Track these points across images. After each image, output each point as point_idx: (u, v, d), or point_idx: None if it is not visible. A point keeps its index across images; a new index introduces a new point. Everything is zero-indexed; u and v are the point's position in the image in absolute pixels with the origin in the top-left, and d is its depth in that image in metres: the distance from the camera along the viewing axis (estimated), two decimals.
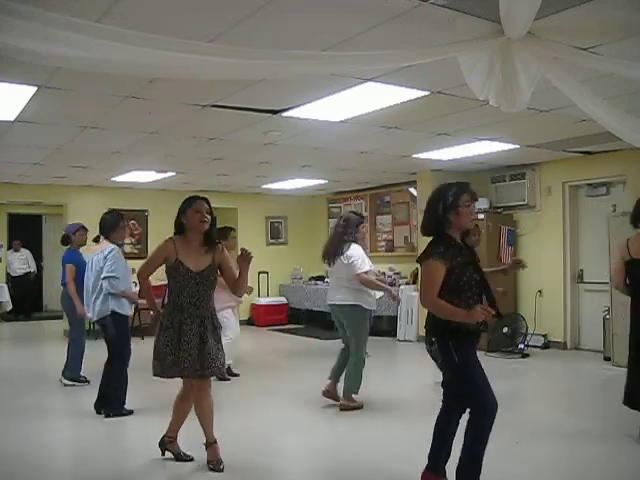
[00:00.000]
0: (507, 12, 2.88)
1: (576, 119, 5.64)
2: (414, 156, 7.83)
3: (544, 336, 8.44)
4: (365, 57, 3.46)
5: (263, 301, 11.62)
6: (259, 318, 11.59)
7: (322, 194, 12.07)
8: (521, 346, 8.02)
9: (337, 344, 5.94)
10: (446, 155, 7.76)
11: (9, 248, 12.88)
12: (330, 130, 6.15)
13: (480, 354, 8.52)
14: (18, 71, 4.10)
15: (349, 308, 5.28)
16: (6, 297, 10.58)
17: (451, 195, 3.28)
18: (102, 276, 4.98)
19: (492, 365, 7.52)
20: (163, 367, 3.76)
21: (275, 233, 12.33)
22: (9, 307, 10.87)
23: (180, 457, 4.03)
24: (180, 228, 3.86)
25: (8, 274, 12.66)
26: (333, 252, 5.36)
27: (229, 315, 6.35)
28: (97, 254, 5.12)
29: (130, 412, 5.10)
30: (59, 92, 4.66)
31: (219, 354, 3.82)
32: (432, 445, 3.42)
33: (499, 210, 8.90)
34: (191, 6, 3.16)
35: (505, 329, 8.19)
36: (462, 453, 3.21)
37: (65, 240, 6.41)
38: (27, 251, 13.04)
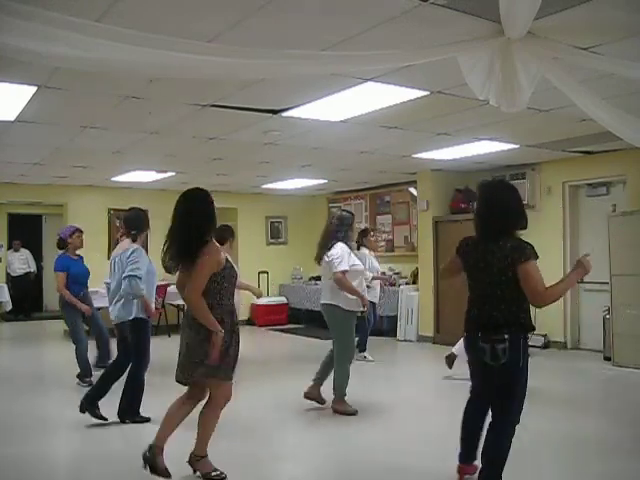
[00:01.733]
0: (507, 12, 2.89)
1: (576, 119, 5.64)
2: (414, 156, 7.83)
3: (544, 336, 8.43)
4: (365, 57, 3.46)
5: (263, 301, 11.60)
6: (259, 318, 11.59)
7: (322, 194, 12.07)
8: None
9: None
10: (446, 155, 7.76)
11: (9, 248, 12.89)
12: (330, 130, 6.15)
13: None
14: (18, 71, 4.10)
15: (328, 307, 5.23)
16: (6, 297, 10.57)
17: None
18: (123, 275, 4.69)
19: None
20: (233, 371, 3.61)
21: (275, 233, 12.33)
22: (9, 307, 10.86)
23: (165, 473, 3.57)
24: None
25: (8, 274, 12.66)
26: (320, 250, 5.29)
27: None
28: (120, 254, 4.87)
29: (147, 419, 4.79)
30: (59, 92, 4.66)
31: None
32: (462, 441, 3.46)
33: None
34: (191, 6, 3.16)
35: None
36: (486, 464, 3.22)
37: (61, 244, 6.33)
38: (27, 251, 13.04)
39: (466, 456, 3.46)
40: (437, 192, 9.28)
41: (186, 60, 2.91)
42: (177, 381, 3.60)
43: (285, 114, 5.46)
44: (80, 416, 4.80)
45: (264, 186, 10.81)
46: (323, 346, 6.38)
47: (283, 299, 11.90)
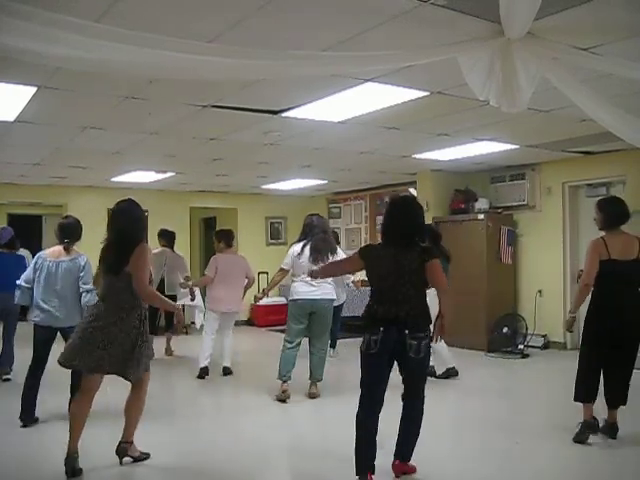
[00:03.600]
0: (507, 12, 2.88)
1: (576, 119, 5.64)
2: (414, 156, 7.83)
3: (544, 336, 8.43)
4: (365, 57, 3.46)
5: (263, 301, 11.56)
6: (259, 318, 11.58)
7: (322, 194, 12.07)
8: (521, 346, 8.02)
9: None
10: (446, 155, 7.76)
11: None
12: (330, 130, 6.14)
13: (480, 354, 8.55)
14: (18, 71, 4.10)
15: (329, 302, 5.76)
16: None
17: None
18: (87, 288, 4.72)
19: (492, 365, 7.55)
20: None
21: (275, 233, 12.32)
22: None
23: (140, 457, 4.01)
24: None
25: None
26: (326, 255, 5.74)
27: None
28: (67, 261, 4.82)
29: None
30: (59, 92, 4.66)
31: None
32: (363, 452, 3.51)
33: (499, 210, 8.89)
34: (191, 6, 3.16)
35: (505, 329, 8.19)
36: (414, 437, 3.65)
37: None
38: (27, 251, 13.01)
39: (373, 457, 3.53)
40: (437, 192, 9.28)
41: (186, 60, 2.91)
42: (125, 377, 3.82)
43: (285, 114, 5.46)
44: None
45: (264, 186, 10.81)
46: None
47: (283, 300, 11.87)
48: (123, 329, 3.71)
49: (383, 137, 6.54)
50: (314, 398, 5.65)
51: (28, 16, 2.44)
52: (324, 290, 5.60)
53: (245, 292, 7.02)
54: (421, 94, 4.86)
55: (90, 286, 4.68)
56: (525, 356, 7.87)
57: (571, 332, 5.10)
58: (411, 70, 4.07)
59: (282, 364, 5.62)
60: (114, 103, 5.01)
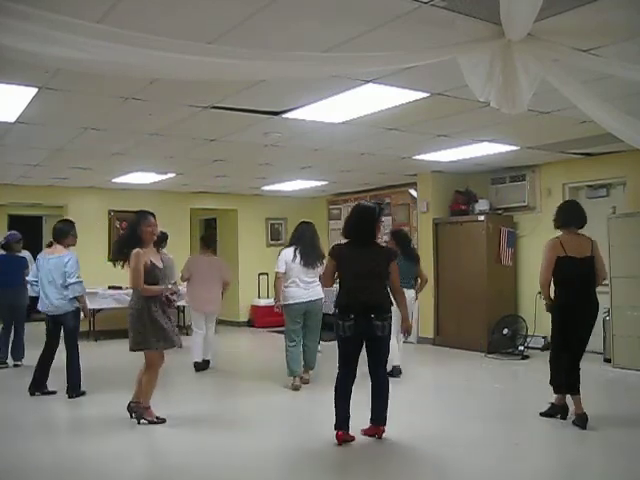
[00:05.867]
0: (508, 14, 2.89)
1: (576, 121, 5.65)
2: (414, 157, 7.83)
3: (544, 338, 8.40)
4: (366, 58, 3.46)
5: (263, 302, 11.60)
6: (258, 319, 11.58)
7: (322, 195, 12.07)
8: (521, 348, 8.01)
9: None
10: (446, 156, 7.76)
11: None
12: (330, 131, 6.15)
13: (480, 356, 8.57)
14: (19, 72, 4.11)
15: (321, 301, 6.31)
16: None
17: None
18: (73, 281, 5.60)
19: (492, 367, 7.55)
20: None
21: (275, 234, 12.32)
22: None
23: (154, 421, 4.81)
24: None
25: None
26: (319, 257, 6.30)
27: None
28: (54, 257, 5.70)
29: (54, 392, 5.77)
30: (60, 93, 4.66)
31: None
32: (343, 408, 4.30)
33: (499, 212, 8.90)
34: (192, 8, 3.17)
35: (505, 330, 8.19)
36: (383, 402, 4.37)
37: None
38: (27, 252, 13.01)
39: (347, 417, 4.33)
40: (437, 194, 9.29)
41: (187, 61, 2.91)
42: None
43: (286, 115, 5.47)
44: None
45: (264, 188, 10.82)
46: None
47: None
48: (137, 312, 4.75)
49: (383, 138, 6.55)
50: (306, 383, 6.20)
51: (29, 17, 2.44)
52: (315, 291, 6.18)
53: (222, 294, 7.44)
54: (422, 95, 4.87)
55: (73, 279, 5.59)
56: (525, 357, 7.86)
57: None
58: (412, 71, 4.08)
59: (290, 363, 6.15)
60: (115, 104, 5.01)
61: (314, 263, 6.14)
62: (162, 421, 4.82)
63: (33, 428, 4.93)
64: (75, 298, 5.66)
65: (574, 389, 4.80)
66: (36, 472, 3.93)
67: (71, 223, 5.96)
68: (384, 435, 4.40)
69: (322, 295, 6.27)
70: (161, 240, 8.43)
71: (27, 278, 6.39)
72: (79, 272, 5.68)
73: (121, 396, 5.06)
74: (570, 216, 5.00)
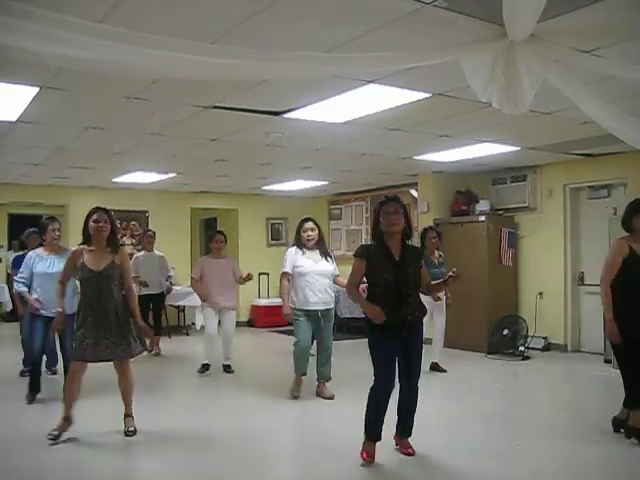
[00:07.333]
0: (510, 14, 2.89)
1: (578, 121, 5.64)
2: (415, 158, 7.83)
3: (544, 338, 8.43)
4: (367, 59, 3.46)
5: (263, 302, 11.61)
6: (259, 319, 11.57)
7: (323, 195, 12.08)
8: (522, 348, 8.01)
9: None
10: (447, 157, 7.76)
11: (9, 249, 12.87)
12: (332, 132, 6.15)
13: (480, 356, 8.55)
14: (20, 71, 4.11)
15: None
16: (6, 297, 10.55)
17: None
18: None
19: (492, 367, 7.55)
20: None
21: (276, 234, 12.32)
22: (9, 307, 10.85)
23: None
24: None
25: (8, 274, 12.64)
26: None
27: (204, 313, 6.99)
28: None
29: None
30: (61, 93, 4.66)
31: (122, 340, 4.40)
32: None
33: (500, 212, 8.90)
34: (193, 7, 3.16)
35: (506, 331, 8.19)
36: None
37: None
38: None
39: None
40: (438, 194, 9.29)
41: (189, 61, 2.91)
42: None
43: (287, 116, 5.47)
44: None
45: (265, 187, 10.81)
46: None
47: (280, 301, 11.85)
48: None
49: (385, 138, 6.54)
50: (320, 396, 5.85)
51: (30, 16, 2.44)
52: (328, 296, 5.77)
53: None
54: (423, 96, 4.87)
55: (17, 277, 5.58)
56: (526, 358, 7.86)
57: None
58: (414, 72, 4.07)
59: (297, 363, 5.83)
60: (116, 103, 5.01)
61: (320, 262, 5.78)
62: (56, 438, 4.33)
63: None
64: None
65: None
66: None
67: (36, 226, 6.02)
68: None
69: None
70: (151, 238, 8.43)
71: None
72: (22, 270, 5.55)
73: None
74: None
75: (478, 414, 5.25)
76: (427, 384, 6.47)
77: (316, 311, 5.62)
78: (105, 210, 4.59)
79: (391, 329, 3.85)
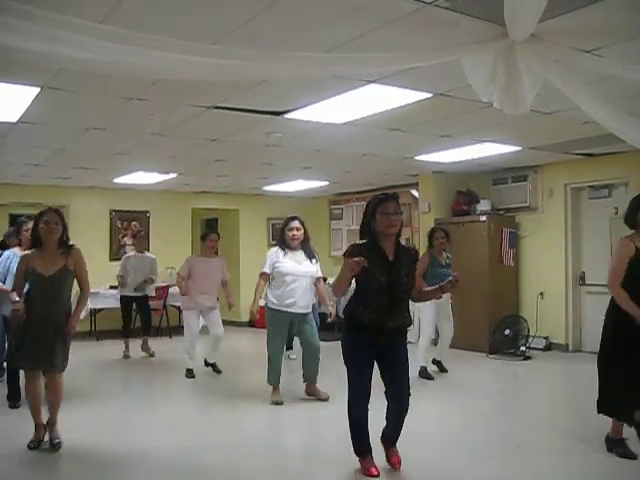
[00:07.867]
0: (512, 14, 2.89)
1: (579, 121, 5.64)
2: (416, 158, 7.83)
3: (546, 338, 8.43)
4: (368, 59, 3.46)
5: (263, 303, 11.57)
6: (259, 320, 11.53)
7: (323, 196, 12.08)
8: (523, 348, 8.01)
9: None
10: (448, 157, 7.76)
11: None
12: (332, 132, 6.15)
13: (482, 356, 8.54)
14: (21, 72, 4.11)
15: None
16: None
17: None
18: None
19: (493, 367, 7.55)
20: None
21: (277, 234, 12.30)
22: None
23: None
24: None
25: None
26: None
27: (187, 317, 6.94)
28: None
29: None
30: (62, 93, 4.66)
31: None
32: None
33: (501, 212, 8.90)
34: (195, 8, 3.17)
35: (507, 331, 8.19)
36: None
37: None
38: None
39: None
40: (438, 194, 9.29)
41: (190, 62, 2.91)
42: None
43: (288, 116, 5.47)
44: None
45: (266, 188, 10.82)
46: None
47: None
48: None
49: (385, 139, 6.54)
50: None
51: (31, 17, 2.44)
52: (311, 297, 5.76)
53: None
54: (424, 96, 4.86)
55: None
56: (527, 358, 7.86)
57: None
58: (414, 72, 4.07)
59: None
60: (117, 104, 5.01)
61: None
62: (36, 446, 4.25)
63: None
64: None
65: None
66: None
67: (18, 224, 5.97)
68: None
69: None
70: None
71: None
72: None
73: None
74: None
75: (479, 414, 5.25)
76: (427, 384, 6.52)
77: (292, 314, 5.53)
78: (56, 210, 4.33)
79: (373, 330, 3.61)
